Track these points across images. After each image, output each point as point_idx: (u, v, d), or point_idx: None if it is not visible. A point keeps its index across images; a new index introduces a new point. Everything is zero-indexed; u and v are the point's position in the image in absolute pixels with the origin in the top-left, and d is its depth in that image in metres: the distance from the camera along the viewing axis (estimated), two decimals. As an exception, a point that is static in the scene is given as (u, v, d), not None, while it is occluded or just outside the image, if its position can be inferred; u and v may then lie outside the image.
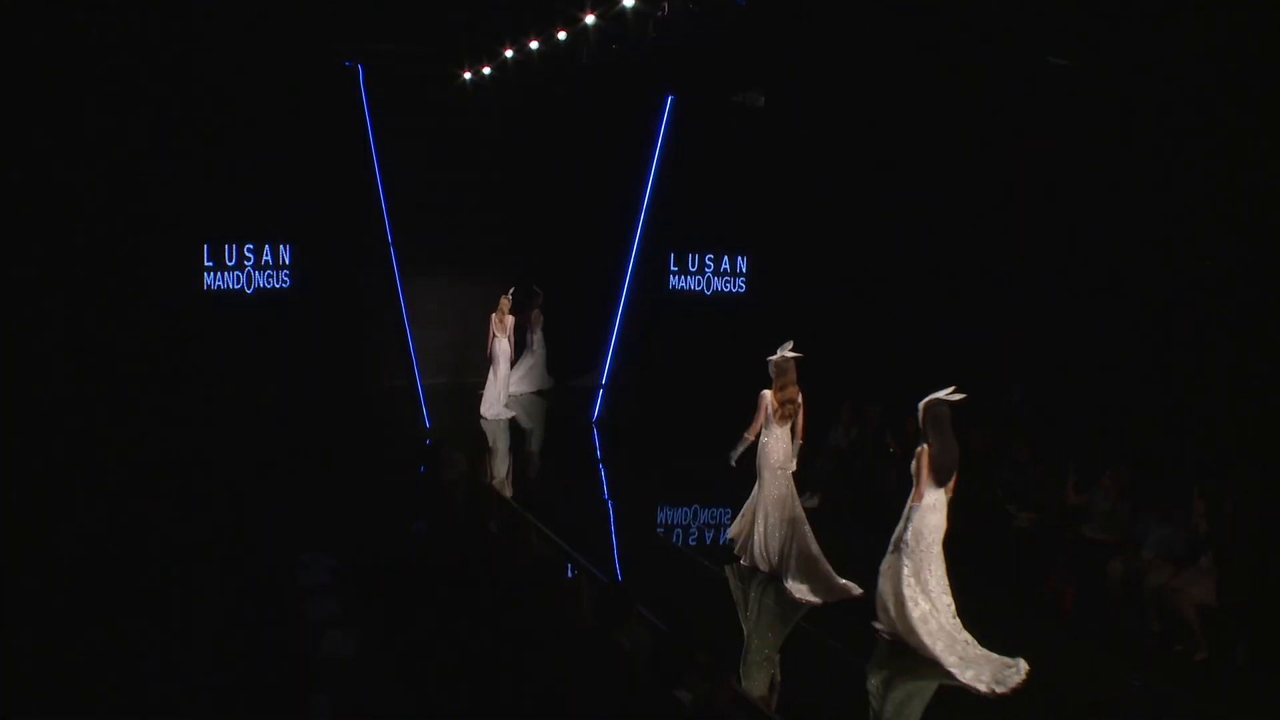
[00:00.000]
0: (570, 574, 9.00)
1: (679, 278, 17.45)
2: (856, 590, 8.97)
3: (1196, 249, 11.06)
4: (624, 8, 10.66)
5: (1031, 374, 12.81)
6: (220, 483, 11.36)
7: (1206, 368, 10.67)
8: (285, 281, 15.41)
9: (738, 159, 16.55)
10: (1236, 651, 8.06)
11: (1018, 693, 7.60)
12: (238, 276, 15.05)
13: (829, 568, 9.12)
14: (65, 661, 6.94)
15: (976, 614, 8.99)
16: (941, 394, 8.00)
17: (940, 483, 7.98)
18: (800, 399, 9.39)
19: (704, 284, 17.53)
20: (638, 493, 12.50)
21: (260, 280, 15.17)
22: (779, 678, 7.98)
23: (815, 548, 9.20)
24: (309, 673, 6.89)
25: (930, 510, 7.99)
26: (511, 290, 15.92)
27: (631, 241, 17.01)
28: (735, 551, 9.80)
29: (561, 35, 11.88)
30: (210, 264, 14.85)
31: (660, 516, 11.71)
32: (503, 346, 15.70)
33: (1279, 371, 10.04)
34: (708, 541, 10.82)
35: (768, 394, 9.36)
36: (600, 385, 16.76)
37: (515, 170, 17.15)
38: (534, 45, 12.50)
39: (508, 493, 12.32)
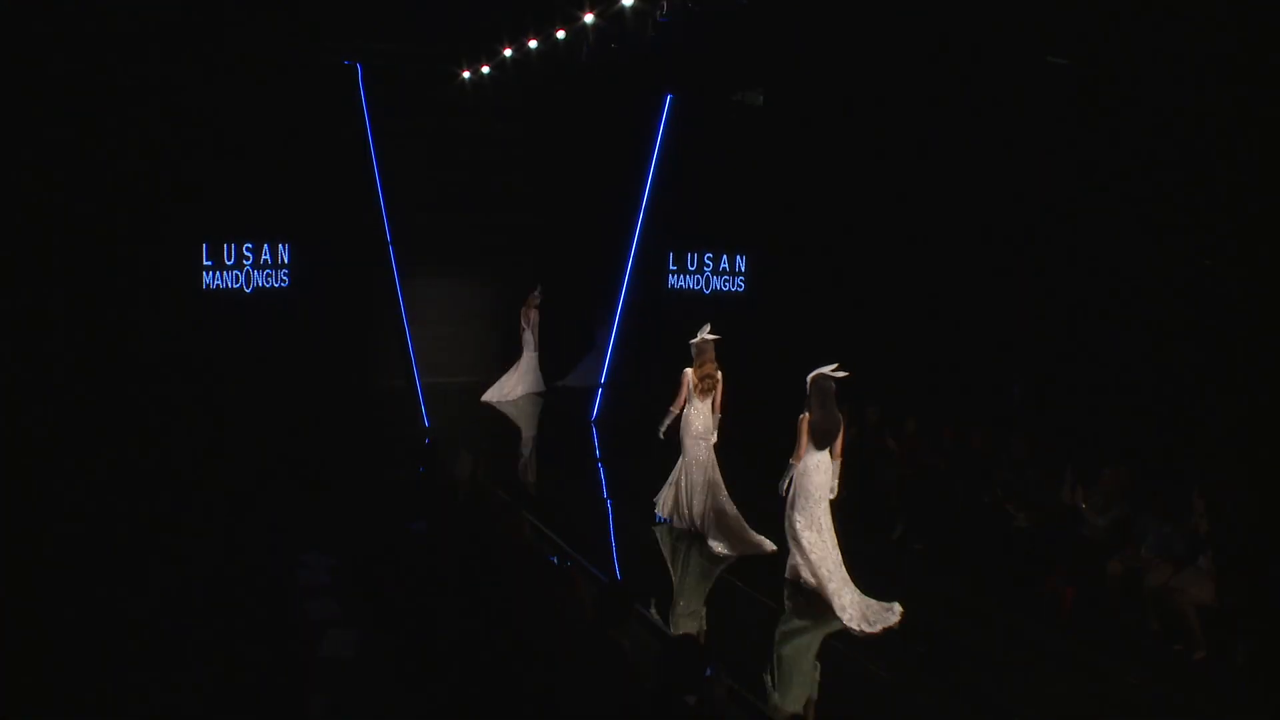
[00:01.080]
0: (564, 566, 9.06)
1: (678, 277, 17.44)
2: (770, 546, 9.86)
3: (1197, 247, 11.06)
4: (623, 7, 10.65)
5: (1031, 372, 12.80)
6: (220, 482, 11.37)
7: (1206, 367, 10.67)
8: (284, 281, 15.39)
9: (737, 158, 16.54)
10: (1236, 651, 8.07)
11: (1014, 690, 7.63)
12: (236, 276, 15.03)
13: (743, 525, 10.08)
14: (64, 661, 6.94)
15: (976, 613, 9.03)
16: (826, 369, 9.03)
17: (821, 446, 8.98)
18: (719, 375, 10.40)
19: (703, 283, 17.52)
20: (636, 491, 12.48)
21: (259, 279, 15.16)
22: (705, 627, 8.75)
23: (731, 508, 10.16)
24: (309, 673, 6.89)
25: (815, 470, 8.97)
26: (539, 287, 16.41)
27: (630, 240, 17.00)
28: (664, 514, 10.80)
29: (560, 34, 11.88)
30: (209, 263, 14.83)
31: (659, 515, 11.70)
32: (525, 339, 16.51)
33: (1279, 371, 10.04)
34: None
35: (689, 371, 10.43)
36: (600, 384, 16.75)
37: (514, 169, 17.14)
38: (533, 44, 12.49)
39: (508, 492, 12.32)
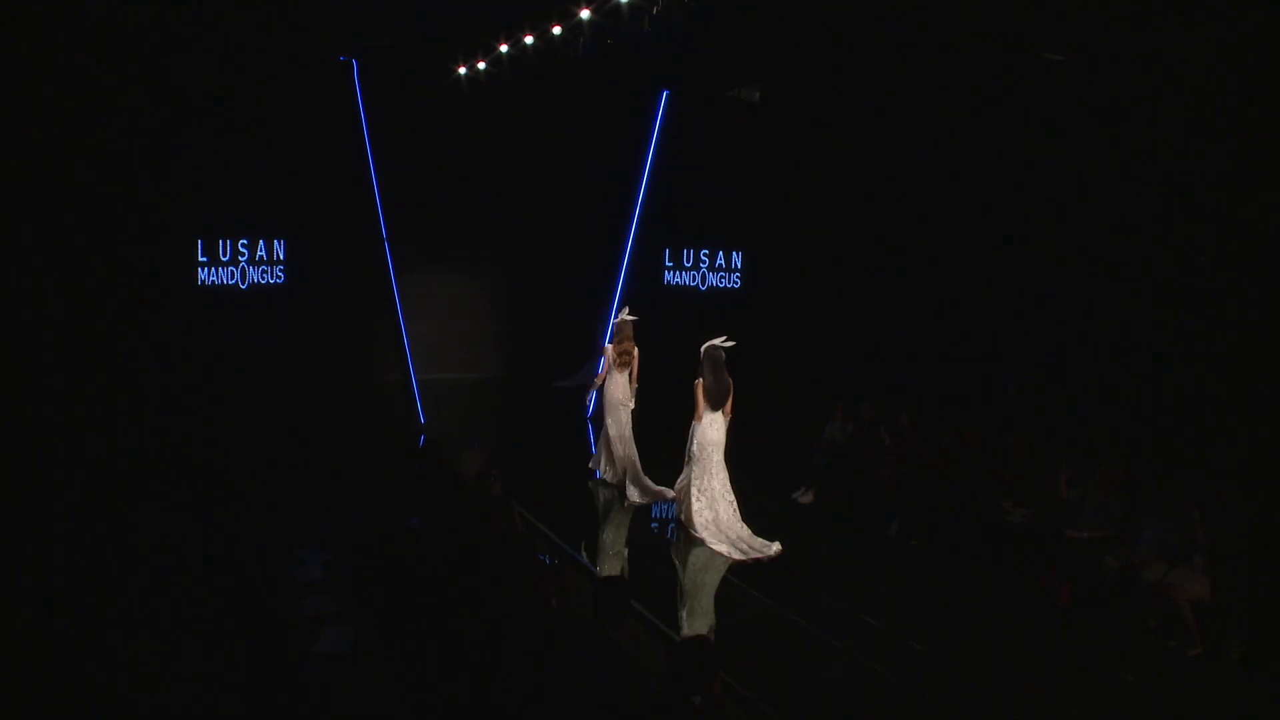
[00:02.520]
0: (550, 561, 9.07)
1: (674, 273, 17.44)
2: (670, 494, 11.11)
3: (1193, 243, 11.07)
4: (619, 3, 10.64)
5: (1027, 368, 12.81)
6: (215, 479, 11.36)
7: (1203, 363, 10.68)
8: (279, 277, 15.36)
9: (733, 154, 16.53)
10: (1231, 648, 8.07)
11: (1009, 687, 7.64)
12: (232, 272, 15.00)
13: (646, 479, 11.61)
14: (60, 659, 6.93)
15: (971, 609, 9.04)
16: (717, 341, 10.35)
17: (715, 407, 10.30)
18: (635, 351, 11.86)
19: (699, 280, 17.52)
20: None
21: (254, 275, 15.13)
22: (627, 569, 9.88)
23: (637, 466, 11.72)
24: (304, 668, 6.88)
25: (709, 428, 10.30)
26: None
27: (626, 237, 16.99)
28: (591, 466, 12.43)
29: (556, 30, 11.86)
30: (204, 259, 14.81)
31: (654, 510, 11.74)
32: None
33: (1275, 367, 10.05)
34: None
35: (609, 348, 11.96)
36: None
37: (511, 166, 17.12)
38: (529, 40, 12.48)
39: (508, 488, 12.30)
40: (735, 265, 17.54)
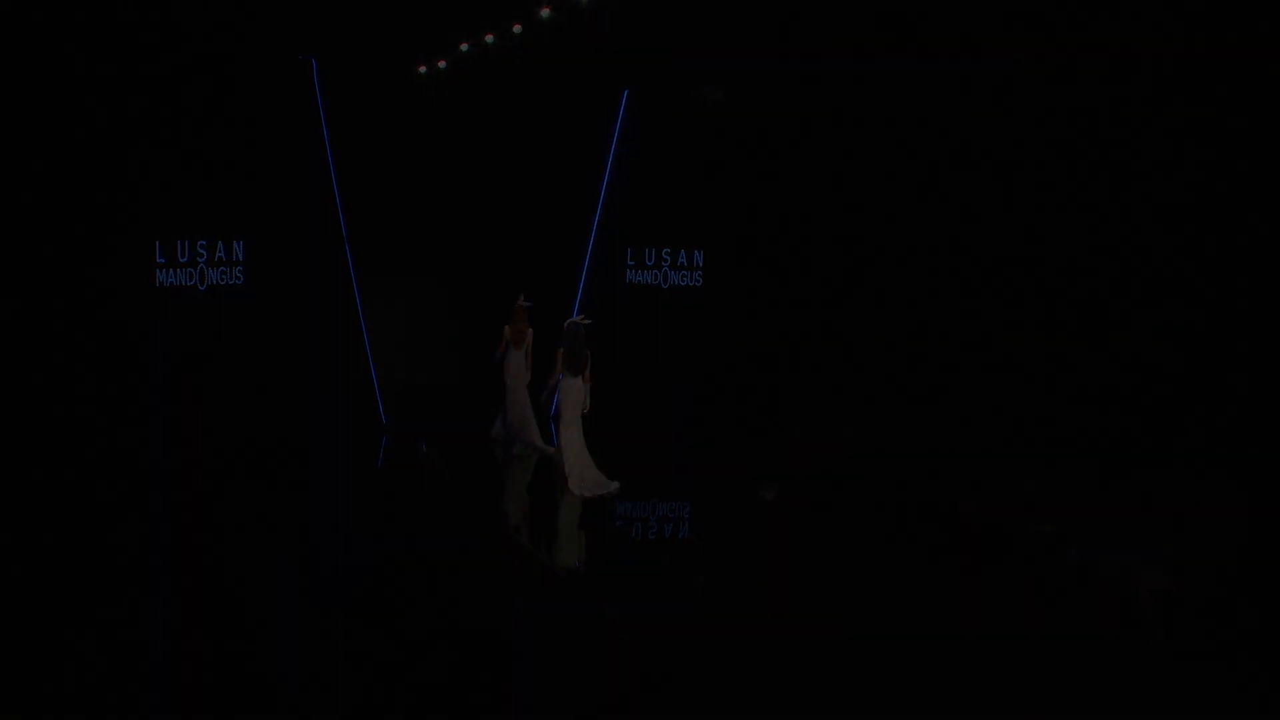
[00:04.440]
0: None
1: (636, 272, 17.44)
2: (551, 449, 13.34)
3: (1173, 241, 11.17)
4: (579, 2, 10.64)
5: (990, 364, 12.90)
6: (178, 485, 11.26)
7: (1168, 356, 10.78)
8: (239, 278, 15.21)
9: (695, 153, 16.55)
10: (1192, 639, 8.17)
11: (972, 680, 7.70)
12: (190, 273, 14.83)
13: (537, 439, 14.17)
14: (37, 664, 6.87)
15: (935, 604, 9.10)
16: (577, 319, 12.86)
17: (575, 372, 12.51)
18: (528, 331, 14.14)
19: (661, 278, 17.53)
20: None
21: (214, 277, 14.97)
22: (527, 512, 12.03)
23: (533, 427, 14.21)
24: (280, 676, 6.85)
25: (571, 390, 12.47)
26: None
27: (588, 236, 16.97)
28: (493, 435, 14.49)
29: (517, 29, 11.85)
30: (162, 260, 14.62)
31: (618, 509, 11.80)
32: None
33: (1242, 360, 10.16)
34: (667, 535, 10.86)
35: (506, 328, 14.17)
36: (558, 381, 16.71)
37: (470, 165, 17.06)
38: (489, 39, 12.46)
39: (467, 483, 12.28)
40: (697, 264, 17.56)
